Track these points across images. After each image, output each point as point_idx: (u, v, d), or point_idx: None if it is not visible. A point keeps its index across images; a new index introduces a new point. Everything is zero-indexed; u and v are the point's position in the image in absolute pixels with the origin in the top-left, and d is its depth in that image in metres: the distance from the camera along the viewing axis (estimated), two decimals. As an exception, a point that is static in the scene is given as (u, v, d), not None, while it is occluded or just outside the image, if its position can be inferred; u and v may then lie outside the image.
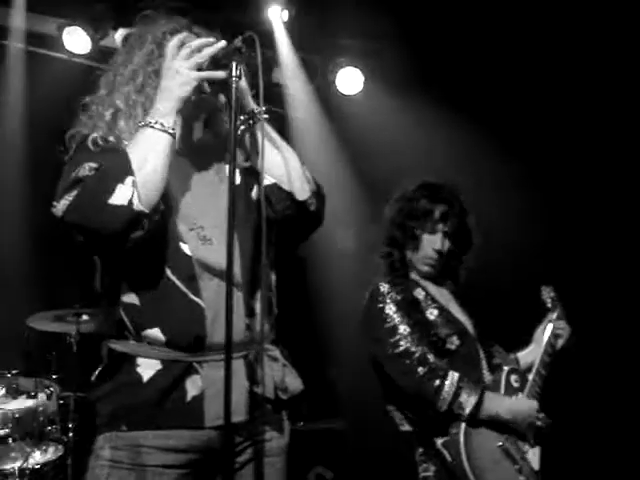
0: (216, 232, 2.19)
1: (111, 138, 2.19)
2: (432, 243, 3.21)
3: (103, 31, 5.40)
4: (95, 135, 2.18)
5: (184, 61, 2.10)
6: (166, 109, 2.11)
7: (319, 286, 6.26)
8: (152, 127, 2.09)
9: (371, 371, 3.25)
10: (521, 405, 3.04)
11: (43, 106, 5.20)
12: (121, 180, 2.01)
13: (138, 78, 2.24)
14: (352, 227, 6.31)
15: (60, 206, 2.02)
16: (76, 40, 5.35)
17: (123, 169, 2.03)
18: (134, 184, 2.01)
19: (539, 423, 3.05)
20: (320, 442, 5.52)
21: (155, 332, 2.11)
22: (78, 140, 2.19)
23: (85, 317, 4.79)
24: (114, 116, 2.22)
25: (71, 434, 4.56)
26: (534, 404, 3.07)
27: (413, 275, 3.26)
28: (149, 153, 2.06)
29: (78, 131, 2.22)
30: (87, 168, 2.06)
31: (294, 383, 2.32)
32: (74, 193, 2.02)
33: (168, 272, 2.13)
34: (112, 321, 2.17)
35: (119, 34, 5.38)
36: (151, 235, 2.08)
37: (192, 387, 2.11)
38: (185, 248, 2.15)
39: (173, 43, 2.14)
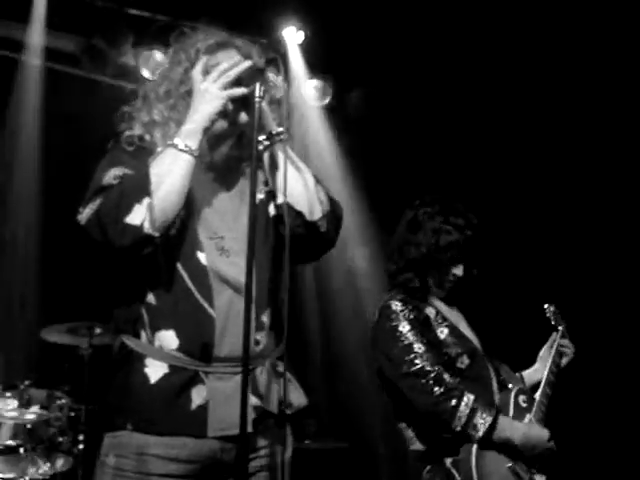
0: (234, 245, 2.25)
1: (147, 137, 2.28)
2: (457, 272, 3.19)
3: (122, 49, 5.48)
4: (130, 133, 2.28)
5: (213, 82, 2.18)
6: (192, 129, 2.17)
7: (331, 303, 6.29)
8: (175, 147, 2.16)
9: (378, 389, 3.28)
10: (533, 432, 3.03)
11: (59, 123, 5.29)
12: (139, 200, 2.08)
13: (171, 98, 2.31)
14: (366, 245, 6.35)
15: (84, 215, 2.13)
16: (95, 57, 5.43)
17: (142, 188, 2.10)
18: (149, 207, 2.07)
19: (548, 453, 3.05)
20: (326, 461, 5.53)
21: (170, 334, 2.17)
22: (114, 139, 2.29)
23: (98, 330, 4.84)
24: (150, 124, 2.30)
25: (81, 446, 4.60)
26: (545, 433, 3.06)
27: (427, 296, 3.23)
28: (168, 175, 2.13)
29: (122, 131, 2.31)
30: (112, 176, 2.16)
31: (298, 398, 2.36)
32: (97, 202, 2.12)
33: (185, 278, 2.19)
34: (130, 317, 2.22)
35: (138, 53, 5.46)
36: (171, 240, 2.16)
37: (197, 396, 2.15)
38: (202, 257, 2.21)
39: (197, 69, 2.23)
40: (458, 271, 3.20)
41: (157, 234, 2.09)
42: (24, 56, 5.39)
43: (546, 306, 3.59)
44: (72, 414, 4.65)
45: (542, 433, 3.05)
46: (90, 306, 4.77)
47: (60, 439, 4.50)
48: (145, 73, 5.24)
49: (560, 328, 3.50)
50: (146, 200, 2.08)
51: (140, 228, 2.06)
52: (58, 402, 4.52)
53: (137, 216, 2.07)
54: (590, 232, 5.63)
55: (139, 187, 2.10)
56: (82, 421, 4.66)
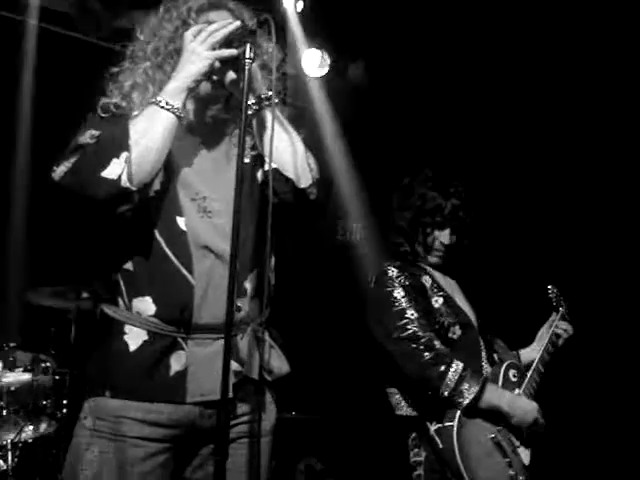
0: (217, 205, 2.23)
1: (123, 104, 2.24)
2: (441, 237, 3.26)
3: (118, 11, 5.42)
4: (107, 100, 2.24)
5: (200, 43, 2.14)
6: (177, 89, 2.14)
7: (322, 278, 6.28)
8: (157, 104, 2.12)
9: (367, 358, 3.29)
10: (522, 403, 3.06)
11: (55, 84, 5.24)
12: (116, 154, 2.05)
13: (159, 56, 2.28)
14: (357, 219, 6.33)
15: (58, 171, 2.08)
16: (90, 19, 5.37)
17: (120, 143, 2.07)
18: (127, 160, 2.04)
19: (537, 426, 3.07)
20: (310, 433, 5.54)
21: (147, 301, 2.15)
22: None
23: (85, 294, 4.82)
24: (131, 88, 2.26)
25: (65, 410, 4.58)
26: (535, 405, 3.09)
27: (421, 263, 3.30)
28: (148, 131, 2.09)
29: (99, 98, 2.27)
30: (88, 135, 2.12)
31: (280, 365, 2.34)
32: (73, 160, 2.08)
33: (163, 244, 2.16)
34: (108, 284, 2.21)
35: (134, 15, 5.40)
36: (149, 205, 2.14)
37: (176, 362, 2.15)
38: (181, 222, 2.18)
39: (190, 31, 2.18)
40: (444, 238, 3.26)
41: (134, 189, 2.05)
42: (23, 16, 5.33)
43: (549, 287, 3.60)
44: (57, 378, 4.63)
45: (530, 405, 3.07)
46: (78, 270, 4.73)
47: (44, 402, 4.48)
48: (141, 36, 5.20)
49: (561, 309, 3.53)
50: (124, 154, 2.05)
51: (117, 181, 2.03)
52: (43, 365, 4.50)
53: (114, 170, 2.03)
54: (595, 214, 5.62)
55: (117, 142, 2.07)
56: (67, 385, 4.64)
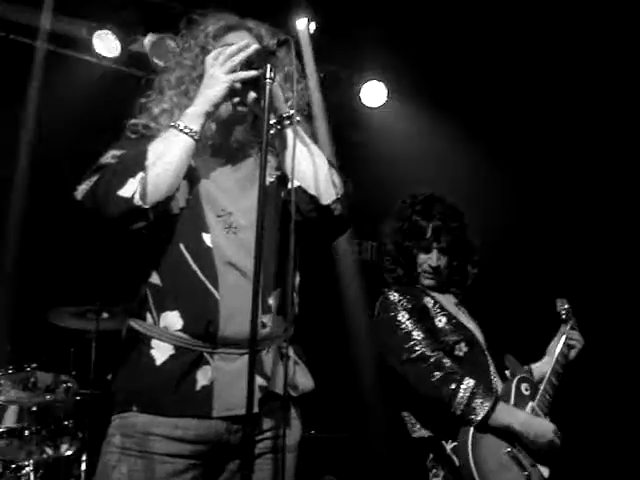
0: (242, 220, 2.26)
1: (152, 125, 2.30)
2: (428, 261, 3.28)
3: (133, 36, 5.50)
4: (136, 121, 2.31)
5: (220, 67, 2.18)
6: (196, 113, 2.18)
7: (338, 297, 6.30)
8: (176, 128, 2.17)
9: (382, 381, 3.30)
10: (537, 423, 3.04)
11: (71, 107, 5.30)
12: (133, 174, 2.10)
13: (183, 84, 2.34)
14: (371, 239, 6.35)
15: (80, 190, 2.16)
16: (106, 44, 5.44)
17: (138, 164, 2.12)
18: (141, 181, 2.09)
19: (552, 447, 3.05)
20: (330, 451, 5.54)
21: (174, 315, 2.18)
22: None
23: (105, 315, 4.85)
24: (159, 113, 2.33)
25: (86, 430, 4.60)
26: (551, 427, 3.06)
27: (419, 285, 3.32)
28: (165, 153, 2.14)
29: (128, 120, 2.35)
30: (110, 156, 2.20)
31: (305, 381, 2.36)
32: (94, 179, 2.15)
33: (189, 259, 2.20)
34: (136, 299, 2.24)
35: (148, 39, 5.48)
36: (175, 221, 2.19)
37: (202, 377, 2.17)
38: (207, 238, 2.22)
39: (211, 56, 2.23)
40: (431, 260, 3.27)
41: (146, 207, 2.09)
42: (36, 41, 5.39)
43: (558, 300, 3.60)
44: (78, 398, 4.66)
45: (546, 426, 3.05)
46: (98, 290, 4.77)
47: (65, 423, 4.51)
48: (156, 61, 5.27)
49: (570, 322, 3.52)
50: (140, 174, 2.10)
51: (130, 200, 2.08)
52: (64, 385, 4.53)
53: (129, 189, 2.08)
54: (601, 227, 5.63)
55: (135, 163, 2.12)
56: (88, 405, 4.66)
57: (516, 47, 5.48)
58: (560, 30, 5.28)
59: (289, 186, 2.25)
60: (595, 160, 5.67)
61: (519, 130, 5.85)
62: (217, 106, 2.21)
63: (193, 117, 2.18)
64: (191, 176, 2.23)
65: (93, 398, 4.68)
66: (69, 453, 4.51)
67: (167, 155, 2.14)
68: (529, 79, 5.66)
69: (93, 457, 4.37)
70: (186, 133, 2.17)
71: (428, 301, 3.23)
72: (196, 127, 2.18)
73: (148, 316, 2.21)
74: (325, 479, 5.34)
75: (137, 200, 2.08)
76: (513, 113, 5.82)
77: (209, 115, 2.21)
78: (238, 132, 2.36)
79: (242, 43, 2.22)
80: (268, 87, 2.10)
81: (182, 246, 2.21)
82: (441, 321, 3.17)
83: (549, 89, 5.65)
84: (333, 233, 2.42)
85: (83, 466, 4.49)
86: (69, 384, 4.58)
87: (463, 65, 5.76)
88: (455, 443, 2.94)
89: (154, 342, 2.19)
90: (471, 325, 3.29)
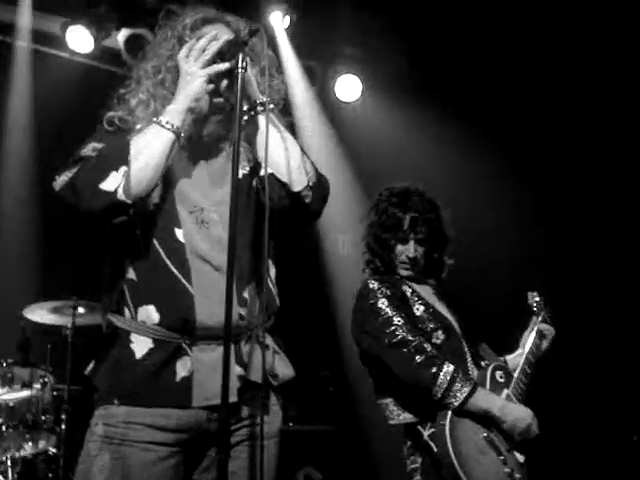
0: (214, 215, 2.28)
1: (128, 118, 2.31)
2: (405, 251, 3.32)
3: (106, 31, 5.48)
4: (112, 114, 2.31)
5: (194, 62, 2.21)
6: (177, 109, 2.21)
7: (315, 290, 6.32)
8: (159, 124, 2.19)
9: (361, 371, 3.34)
10: (515, 409, 3.08)
11: (47, 104, 5.28)
12: (115, 168, 2.12)
13: (159, 73, 2.35)
14: (347, 232, 6.37)
15: (59, 181, 2.17)
16: (79, 39, 5.42)
17: (121, 158, 2.13)
18: (125, 174, 2.11)
19: (529, 433, 3.09)
20: (309, 443, 5.56)
21: (150, 309, 2.20)
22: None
23: (81, 310, 4.84)
24: (136, 104, 2.33)
25: (64, 425, 4.60)
26: (529, 413, 3.10)
27: (397, 275, 3.36)
28: (148, 148, 2.16)
29: (105, 112, 2.35)
30: (90, 148, 2.20)
31: (285, 370, 2.39)
32: (74, 171, 2.16)
33: (162, 254, 2.22)
34: (114, 294, 2.26)
35: (122, 34, 5.47)
36: (149, 217, 2.21)
37: (182, 368, 2.19)
38: (179, 233, 2.24)
39: (182, 52, 2.26)
40: (408, 251, 3.31)
41: (129, 202, 2.11)
42: (12, 38, 5.37)
43: (529, 293, 3.65)
44: (55, 393, 4.65)
45: (523, 411, 3.10)
46: (74, 285, 4.76)
47: (43, 418, 4.50)
48: (130, 56, 5.27)
49: (542, 314, 3.57)
50: (123, 169, 2.12)
51: (114, 194, 2.10)
52: (41, 381, 4.52)
53: (112, 182, 2.10)
54: (575, 219, 5.69)
55: (117, 156, 2.14)
56: (65, 400, 4.65)
57: (492, 36, 5.52)
58: (539, 18, 5.31)
59: (261, 173, 2.27)
60: (568, 152, 5.72)
61: (495, 122, 5.88)
62: (198, 100, 2.24)
63: (174, 113, 2.21)
64: (165, 172, 2.24)
65: (70, 393, 4.67)
66: (47, 448, 4.50)
67: (149, 150, 2.16)
68: (507, 69, 5.70)
69: (71, 452, 4.37)
70: (168, 129, 2.19)
71: (406, 289, 3.27)
72: (178, 123, 2.20)
73: (126, 311, 2.23)
74: (305, 471, 5.37)
75: (120, 194, 2.10)
76: (490, 105, 5.86)
77: (191, 110, 2.24)
78: (212, 124, 2.37)
79: (210, 35, 2.25)
80: (240, 76, 2.12)
81: (156, 242, 2.23)
82: (419, 309, 3.21)
83: (528, 80, 5.69)
84: (303, 221, 2.44)
85: (61, 461, 4.47)
86: (46, 379, 4.57)
87: (439, 58, 5.79)
88: (432, 429, 2.99)
89: (133, 336, 2.22)
90: (448, 314, 3.33)
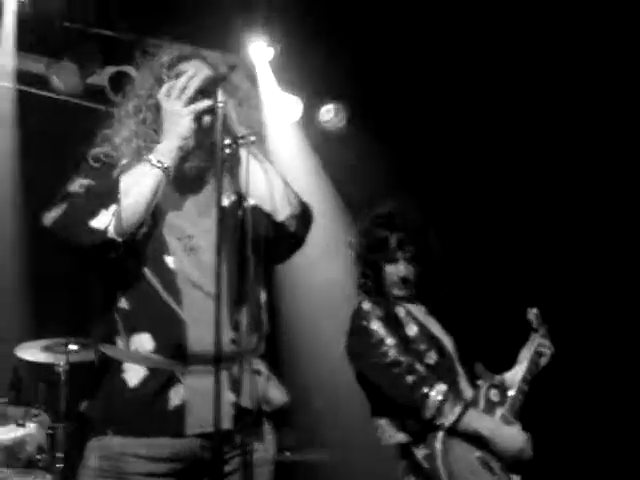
0: (202, 242, 2.31)
1: (113, 154, 2.34)
2: (395, 271, 3.34)
3: (91, 69, 5.52)
4: (98, 150, 2.35)
5: (176, 101, 2.26)
6: (167, 147, 2.26)
7: (303, 317, 6.32)
8: (149, 162, 2.23)
9: (356, 399, 3.35)
10: (507, 431, 3.11)
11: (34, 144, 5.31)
12: (105, 206, 2.16)
13: (140, 112, 2.39)
14: (338, 258, 6.37)
15: (49, 217, 2.20)
16: (64, 78, 5.46)
17: (110, 195, 2.17)
18: (115, 212, 2.14)
19: (523, 456, 3.11)
20: (306, 473, 5.54)
21: (145, 337, 2.22)
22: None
23: (74, 347, 4.82)
24: (119, 141, 2.37)
25: (60, 465, 4.57)
26: (523, 436, 3.13)
27: (390, 297, 3.38)
28: (138, 185, 2.20)
29: (90, 149, 2.38)
30: (77, 184, 2.24)
31: (278, 395, 2.40)
32: (63, 207, 2.19)
33: (154, 282, 2.24)
34: (105, 325, 2.28)
35: (106, 72, 5.51)
36: (138, 247, 2.23)
37: (175, 396, 2.20)
38: (170, 261, 2.27)
39: (162, 91, 2.30)
40: (399, 271, 3.32)
41: (120, 239, 2.15)
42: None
43: (529, 309, 3.68)
44: (50, 432, 4.62)
45: (516, 434, 3.12)
46: (66, 322, 4.76)
47: (38, 457, 4.47)
48: (114, 93, 5.30)
49: (541, 330, 3.60)
50: (113, 207, 2.15)
51: (104, 232, 2.14)
52: (35, 420, 4.50)
53: (102, 220, 2.14)
54: (572, 235, 5.72)
55: (107, 194, 2.18)
56: (60, 439, 4.63)
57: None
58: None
59: (244, 204, 2.31)
60: (561, 168, 5.76)
61: (484, 137, 5.93)
62: (187, 139, 2.28)
63: (165, 151, 2.25)
64: None
65: (66, 431, 4.64)
66: (44, 487, 4.47)
67: (140, 188, 2.20)
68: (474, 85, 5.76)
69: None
70: (158, 167, 2.23)
71: (399, 310, 3.30)
72: (168, 162, 2.24)
73: (118, 340, 2.25)
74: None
75: (111, 233, 2.14)
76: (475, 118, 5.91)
77: (180, 149, 2.28)
78: (195, 159, 2.40)
79: (189, 73, 2.30)
80: (220, 111, 2.18)
81: (147, 270, 2.26)
82: (412, 330, 3.24)
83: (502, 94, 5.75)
84: (288, 250, 2.47)
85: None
86: (40, 418, 4.55)
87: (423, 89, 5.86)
88: (425, 450, 2.99)
89: (126, 365, 2.23)
90: (441, 334, 3.35)
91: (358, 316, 3.24)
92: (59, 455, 4.59)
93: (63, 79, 5.46)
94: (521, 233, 5.80)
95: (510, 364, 3.55)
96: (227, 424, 2.15)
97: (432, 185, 5.72)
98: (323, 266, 6.20)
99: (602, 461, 5.32)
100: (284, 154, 6.14)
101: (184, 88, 2.26)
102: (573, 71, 5.52)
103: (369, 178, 6.06)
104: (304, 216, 2.41)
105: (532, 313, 3.65)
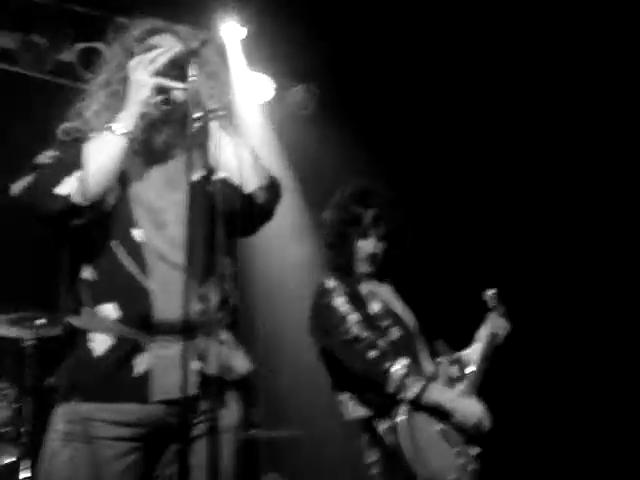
0: (170, 217, 2.35)
1: (83, 128, 2.38)
2: (366, 247, 3.40)
3: (61, 45, 5.50)
4: (68, 125, 2.40)
5: (143, 71, 2.29)
6: (126, 115, 2.29)
7: (271, 297, 6.36)
8: (109, 130, 2.27)
9: (322, 375, 3.41)
10: (465, 403, 3.19)
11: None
12: (69, 173, 2.21)
13: (110, 85, 2.43)
14: (305, 241, 6.41)
15: (16, 187, 2.25)
16: (34, 55, 5.43)
17: (75, 163, 2.23)
18: (78, 179, 2.20)
19: (480, 428, 3.20)
20: (274, 450, 5.60)
21: (109, 307, 2.27)
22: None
23: (41, 321, 4.80)
24: (90, 115, 2.41)
25: (26, 439, 4.57)
26: (480, 408, 3.22)
27: (355, 274, 3.44)
28: (100, 152, 2.25)
29: (61, 124, 2.43)
30: (46, 156, 2.30)
31: (241, 364, 2.44)
32: (31, 177, 2.24)
33: (120, 254, 2.30)
34: (72, 296, 2.33)
35: (76, 48, 5.48)
36: (106, 219, 2.28)
37: (140, 364, 2.25)
38: (137, 234, 2.32)
39: (132, 62, 2.33)
40: (368, 247, 3.38)
41: (85, 204, 2.20)
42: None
43: (487, 290, 3.75)
44: (16, 406, 4.61)
45: (475, 406, 3.20)
46: (34, 296, 4.74)
47: (4, 430, 4.48)
48: (84, 69, 5.28)
49: (497, 309, 3.67)
50: (77, 173, 2.20)
51: (68, 197, 2.18)
52: (1, 393, 4.50)
53: (66, 187, 2.19)
54: (532, 215, 5.80)
55: (71, 162, 2.23)
56: (26, 413, 4.62)
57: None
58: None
59: (213, 177, 2.36)
60: (518, 151, 5.83)
61: (441, 136, 5.99)
62: (147, 107, 2.31)
63: (125, 118, 2.29)
64: (120, 176, 2.33)
65: (32, 406, 4.64)
66: (9, 461, 4.47)
67: (100, 154, 2.24)
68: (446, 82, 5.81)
69: (34, 465, 4.34)
70: (119, 134, 2.27)
71: (362, 288, 3.36)
72: (127, 129, 2.28)
73: (84, 311, 2.30)
74: (269, 477, 5.39)
75: (75, 198, 2.18)
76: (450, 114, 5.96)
77: (140, 116, 2.31)
78: (165, 132, 2.44)
79: (162, 49, 2.33)
80: (191, 85, 2.22)
81: (114, 242, 2.31)
82: (375, 307, 3.30)
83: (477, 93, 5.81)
84: (257, 221, 2.50)
85: (28, 473, 4.43)
86: (6, 392, 4.55)
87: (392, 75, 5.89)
88: (388, 423, 3.06)
89: (92, 335, 2.28)
90: (403, 312, 3.42)
91: (322, 293, 3.30)
92: (25, 429, 4.58)
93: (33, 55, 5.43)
94: (484, 214, 5.86)
95: (468, 342, 3.64)
96: (192, 391, 2.18)
97: (396, 169, 5.75)
98: (292, 249, 6.26)
99: (557, 431, 5.43)
100: (251, 132, 6.16)
101: (153, 59, 2.29)
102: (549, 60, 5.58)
103: (333, 163, 6.11)
104: (273, 188, 2.45)
105: (489, 294, 3.73)
